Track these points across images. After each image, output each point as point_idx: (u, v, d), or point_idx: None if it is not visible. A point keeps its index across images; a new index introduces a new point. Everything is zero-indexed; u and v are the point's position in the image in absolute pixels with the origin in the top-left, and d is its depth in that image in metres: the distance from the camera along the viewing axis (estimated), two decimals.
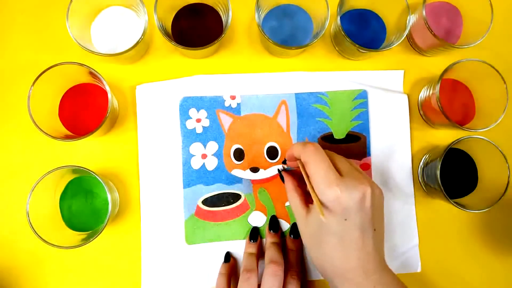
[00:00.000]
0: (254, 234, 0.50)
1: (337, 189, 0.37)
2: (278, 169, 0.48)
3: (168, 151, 0.51)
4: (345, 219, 0.37)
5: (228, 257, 0.50)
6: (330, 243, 0.38)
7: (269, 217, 0.51)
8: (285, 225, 0.51)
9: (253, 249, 0.48)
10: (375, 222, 0.39)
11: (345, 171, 0.39)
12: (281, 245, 0.48)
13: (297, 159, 0.42)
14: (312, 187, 0.39)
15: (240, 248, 0.50)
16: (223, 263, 0.49)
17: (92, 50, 0.46)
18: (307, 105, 0.52)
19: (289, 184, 0.43)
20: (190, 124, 0.51)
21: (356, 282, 0.37)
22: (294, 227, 0.50)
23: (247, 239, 0.50)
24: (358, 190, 0.37)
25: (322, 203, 0.38)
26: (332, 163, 0.39)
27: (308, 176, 0.39)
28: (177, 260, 0.50)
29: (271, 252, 0.46)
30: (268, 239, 0.48)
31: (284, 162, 0.47)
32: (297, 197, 0.42)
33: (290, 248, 0.49)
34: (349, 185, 0.37)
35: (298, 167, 0.42)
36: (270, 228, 0.49)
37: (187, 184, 0.50)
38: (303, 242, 0.42)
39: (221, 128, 0.51)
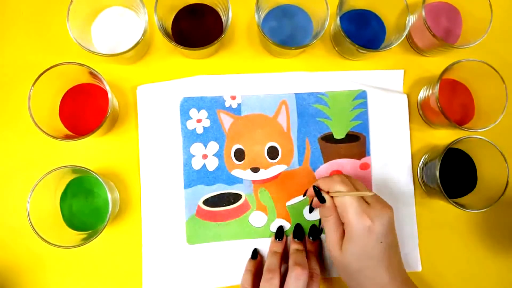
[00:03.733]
0: (280, 233, 0.50)
1: (368, 219, 0.40)
2: (315, 188, 0.45)
3: (169, 152, 0.51)
4: (381, 242, 0.41)
5: (256, 253, 0.50)
6: (370, 267, 0.41)
7: (294, 225, 0.51)
8: (286, 225, 0.51)
9: (278, 247, 0.49)
10: (396, 238, 0.44)
11: (369, 198, 0.42)
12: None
13: (322, 191, 0.44)
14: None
15: (241, 248, 0.51)
16: (250, 259, 0.50)
17: (92, 50, 0.46)
18: (307, 105, 0.52)
19: (331, 212, 0.43)
20: (190, 125, 0.51)
21: None
22: (306, 230, 0.51)
23: (272, 237, 0.51)
24: (386, 214, 0.41)
25: (357, 235, 0.41)
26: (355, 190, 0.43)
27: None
28: (178, 260, 0.50)
29: (295, 256, 0.46)
30: (293, 246, 0.48)
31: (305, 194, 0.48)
32: (336, 230, 0.43)
33: (309, 250, 0.49)
34: (377, 212, 0.41)
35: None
36: (294, 236, 0.50)
37: (188, 184, 0.51)
38: (341, 275, 0.44)
39: (222, 128, 0.51)
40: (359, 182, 0.44)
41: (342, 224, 0.43)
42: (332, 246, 0.43)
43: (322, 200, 0.44)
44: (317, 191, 0.44)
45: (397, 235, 0.44)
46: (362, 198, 0.42)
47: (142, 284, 0.49)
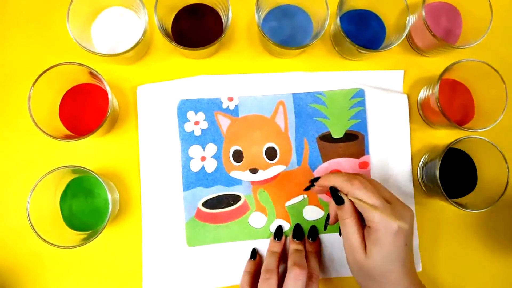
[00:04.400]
0: (279, 232, 0.50)
1: (395, 221, 0.39)
2: (332, 189, 0.43)
3: (168, 154, 0.51)
4: (406, 244, 0.40)
5: (255, 253, 0.50)
6: (395, 271, 0.40)
7: (293, 226, 0.51)
8: (286, 226, 0.51)
9: (276, 248, 0.49)
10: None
11: (390, 199, 0.41)
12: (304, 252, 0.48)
13: (335, 189, 0.43)
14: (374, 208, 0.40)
15: (241, 249, 0.51)
16: (249, 260, 0.50)
17: (92, 50, 0.46)
18: (304, 105, 0.52)
19: (350, 214, 0.41)
20: (188, 127, 0.51)
21: None
22: (306, 230, 0.51)
23: (271, 237, 0.50)
24: (409, 216, 0.40)
25: (385, 237, 0.39)
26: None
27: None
28: (178, 262, 0.50)
29: (294, 257, 0.46)
30: (292, 246, 0.48)
31: (308, 188, 0.46)
32: (357, 232, 0.41)
33: (308, 250, 0.49)
34: (402, 214, 0.40)
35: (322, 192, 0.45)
36: (294, 236, 0.50)
37: (187, 187, 0.51)
38: (358, 280, 0.43)
39: (220, 130, 0.51)
40: (378, 184, 0.42)
41: (362, 225, 0.41)
42: (355, 250, 0.40)
43: (339, 202, 0.41)
44: (334, 191, 0.42)
45: None
46: (384, 198, 0.40)
47: (142, 285, 0.49)
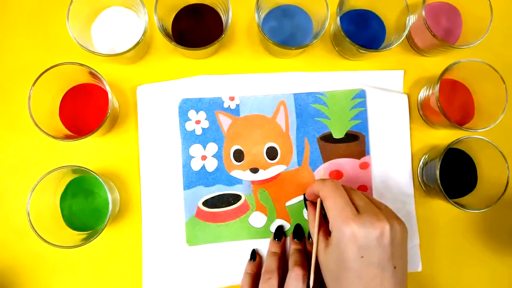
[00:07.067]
0: (279, 233, 0.50)
1: (354, 225, 0.37)
2: (305, 197, 0.47)
3: (168, 153, 0.51)
4: (362, 256, 0.36)
5: (254, 255, 0.50)
6: (348, 279, 0.37)
7: (294, 226, 0.51)
8: (286, 226, 0.51)
9: (276, 248, 0.49)
10: (395, 260, 0.37)
11: (362, 207, 0.38)
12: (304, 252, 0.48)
13: (316, 196, 0.43)
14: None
15: (241, 248, 0.51)
16: (249, 261, 0.50)
17: (92, 50, 0.46)
18: (305, 105, 0.52)
19: (311, 214, 0.44)
20: (189, 126, 0.51)
21: None
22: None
23: (271, 238, 0.50)
24: (376, 227, 0.37)
25: (338, 240, 0.38)
26: (350, 199, 0.39)
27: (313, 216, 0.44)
28: (178, 261, 0.50)
29: (295, 257, 0.45)
30: (292, 246, 0.48)
31: (304, 199, 0.47)
32: (318, 228, 0.42)
33: (309, 250, 0.49)
34: (366, 222, 0.37)
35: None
36: (294, 236, 0.49)
37: (187, 185, 0.51)
38: (322, 275, 0.41)
39: (221, 129, 0.51)
40: (358, 193, 0.41)
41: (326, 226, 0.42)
42: (319, 246, 0.41)
43: (306, 207, 0.45)
44: (304, 198, 0.46)
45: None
46: (353, 204, 0.39)
47: (142, 285, 0.49)
